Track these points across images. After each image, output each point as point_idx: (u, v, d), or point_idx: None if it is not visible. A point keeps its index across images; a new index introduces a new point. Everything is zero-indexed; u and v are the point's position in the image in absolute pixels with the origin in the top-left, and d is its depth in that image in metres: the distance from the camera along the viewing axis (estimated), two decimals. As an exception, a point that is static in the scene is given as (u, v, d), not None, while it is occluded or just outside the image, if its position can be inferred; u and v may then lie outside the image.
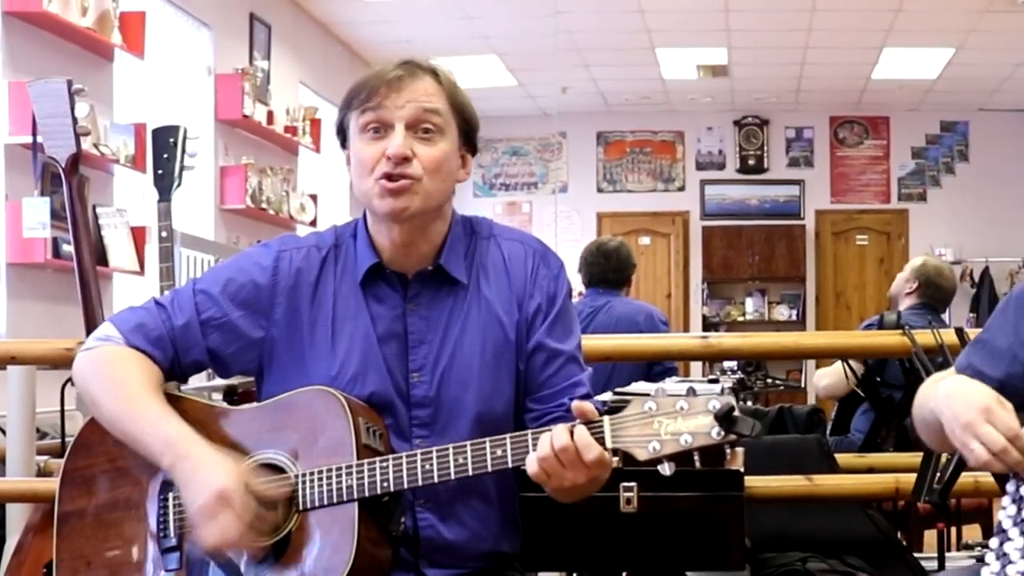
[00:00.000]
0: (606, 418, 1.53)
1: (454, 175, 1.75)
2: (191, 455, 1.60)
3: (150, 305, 1.76)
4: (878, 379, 3.85)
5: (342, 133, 1.76)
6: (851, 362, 3.78)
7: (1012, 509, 1.47)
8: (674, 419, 1.49)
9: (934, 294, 4.23)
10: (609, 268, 4.28)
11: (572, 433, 1.52)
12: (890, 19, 7.58)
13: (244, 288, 1.74)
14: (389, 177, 1.67)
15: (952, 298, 4.37)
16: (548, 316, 1.75)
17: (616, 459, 2.15)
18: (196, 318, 1.73)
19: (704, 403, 1.49)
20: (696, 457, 1.50)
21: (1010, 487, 1.47)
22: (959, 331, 2.26)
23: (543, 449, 1.53)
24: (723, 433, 1.47)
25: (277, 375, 1.74)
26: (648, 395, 1.54)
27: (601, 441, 1.52)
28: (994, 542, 1.47)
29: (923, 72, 8.91)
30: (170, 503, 1.68)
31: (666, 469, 1.50)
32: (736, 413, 1.47)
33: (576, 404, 1.55)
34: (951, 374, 1.66)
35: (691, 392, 1.51)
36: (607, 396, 2.20)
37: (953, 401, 1.48)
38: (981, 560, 2.71)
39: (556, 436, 1.52)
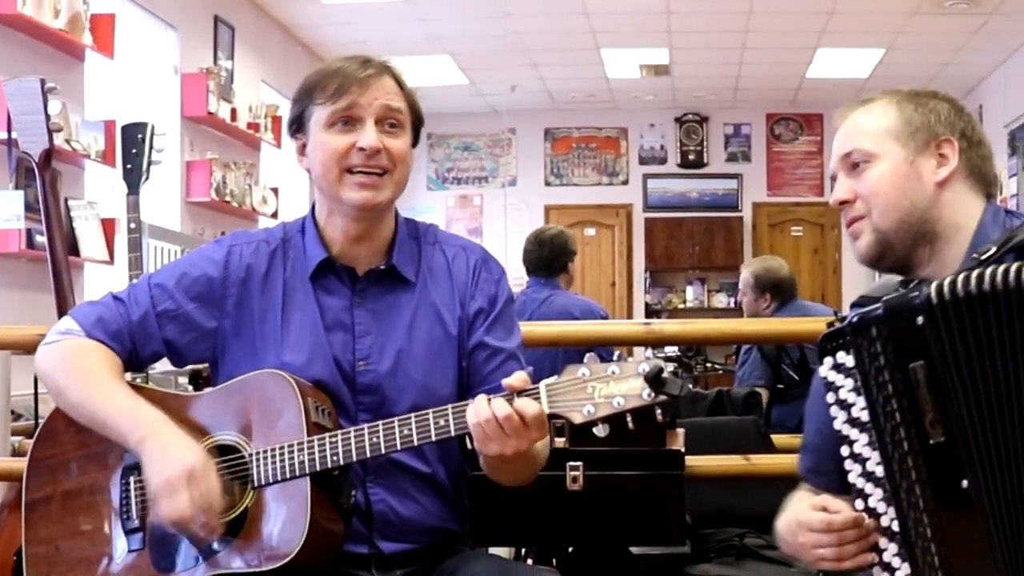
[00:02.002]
0: (542, 384, 1.56)
1: (411, 167, 1.81)
2: (161, 433, 1.65)
3: (108, 300, 1.81)
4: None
5: (297, 123, 1.79)
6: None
7: None
8: (607, 383, 1.52)
9: (785, 292, 4.44)
10: (543, 255, 4.27)
11: (511, 401, 1.56)
12: (824, 21, 7.72)
13: (198, 281, 1.79)
14: (364, 171, 1.73)
15: (792, 275, 4.56)
16: (489, 316, 1.81)
17: (562, 440, 2.22)
18: (152, 310, 1.78)
19: (635, 367, 1.52)
20: (629, 419, 1.53)
21: (876, 572, 1.46)
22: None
23: (481, 411, 1.55)
24: (653, 394, 1.50)
25: (230, 364, 1.79)
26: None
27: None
28: None
29: (855, 71, 9.04)
30: (132, 486, 1.72)
31: (600, 431, 1.53)
32: (665, 375, 1.49)
33: (507, 380, 1.58)
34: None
35: (622, 358, 1.54)
36: (553, 380, 2.32)
37: (787, 538, 1.55)
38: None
39: (496, 405, 1.55)
